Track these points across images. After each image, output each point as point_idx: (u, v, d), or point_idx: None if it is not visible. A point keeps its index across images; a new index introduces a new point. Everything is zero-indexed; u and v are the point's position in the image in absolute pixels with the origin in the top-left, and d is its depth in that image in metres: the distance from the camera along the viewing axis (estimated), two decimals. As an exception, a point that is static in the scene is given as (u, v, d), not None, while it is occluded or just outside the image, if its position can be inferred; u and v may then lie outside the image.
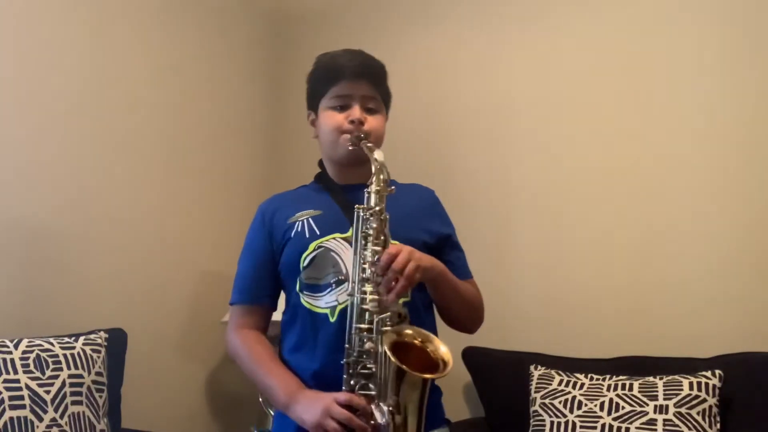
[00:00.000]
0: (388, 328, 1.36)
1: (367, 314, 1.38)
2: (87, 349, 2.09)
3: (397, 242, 1.45)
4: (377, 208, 1.44)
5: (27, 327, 2.20)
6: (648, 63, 2.52)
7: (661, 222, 2.46)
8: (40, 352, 1.98)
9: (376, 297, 1.38)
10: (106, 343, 2.17)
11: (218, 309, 2.77)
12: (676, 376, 2.14)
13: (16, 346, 1.96)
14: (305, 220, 1.56)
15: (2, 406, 1.84)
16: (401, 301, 1.44)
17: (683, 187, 2.44)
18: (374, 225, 1.42)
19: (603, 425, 2.09)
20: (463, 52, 2.88)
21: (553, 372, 2.32)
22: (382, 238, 1.42)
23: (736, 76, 2.38)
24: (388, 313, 1.37)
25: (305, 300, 1.51)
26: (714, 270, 2.36)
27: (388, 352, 1.29)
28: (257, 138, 3.20)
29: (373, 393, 1.34)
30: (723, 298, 2.34)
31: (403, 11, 3.02)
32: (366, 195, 1.46)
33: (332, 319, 1.47)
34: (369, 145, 1.51)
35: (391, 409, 1.31)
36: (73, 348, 2.06)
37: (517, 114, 2.75)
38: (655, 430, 2.03)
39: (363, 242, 1.42)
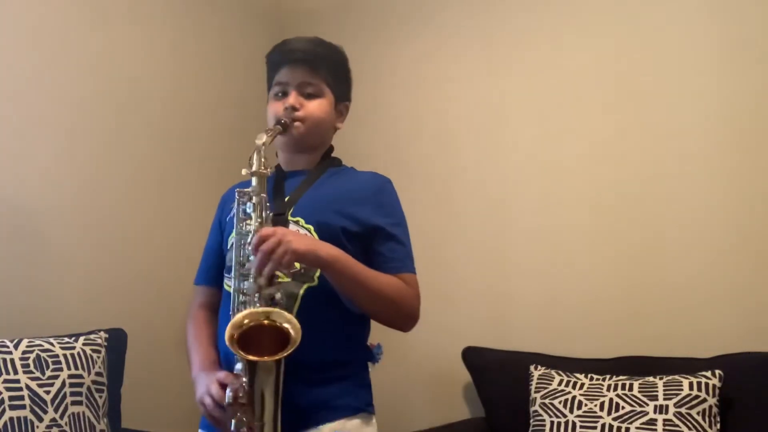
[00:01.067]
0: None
1: (242, 296, 1.40)
2: (87, 349, 2.09)
3: (295, 226, 1.47)
4: (255, 191, 1.45)
5: (27, 327, 2.20)
6: (644, 65, 2.52)
7: (661, 222, 2.46)
8: (40, 352, 1.98)
9: (251, 281, 1.38)
10: (106, 344, 2.17)
11: (218, 309, 2.77)
12: (676, 376, 2.14)
13: (16, 346, 1.96)
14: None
15: (2, 407, 1.84)
16: (306, 285, 1.44)
17: (683, 187, 2.44)
18: (250, 208, 1.44)
19: (603, 425, 2.09)
20: (463, 53, 2.87)
21: (553, 372, 2.32)
22: (259, 221, 1.43)
23: (733, 78, 2.38)
24: (257, 295, 1.37)
25: (226, 282, 1.55)
26: (714, 270, 2.36)
27: (227, 341, 1.30)
28: (255, 135, 3.19)
29: (241, 374, 1.36)
30: (723, 298, 2.34)
31: (403, 11, 3.02)
32: (251, 178, 1.49)
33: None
34: (276, 126, 1.54)
35: (236, 390, 1.33)
36: (73, 348, 2.06)
37: (516, 115, 2.75)
38: (655, 430, 2.03)
39: (243, 225, 1.44)
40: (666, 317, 2.42)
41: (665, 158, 2.47)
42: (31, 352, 1.97)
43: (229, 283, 1.52)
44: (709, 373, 2.11)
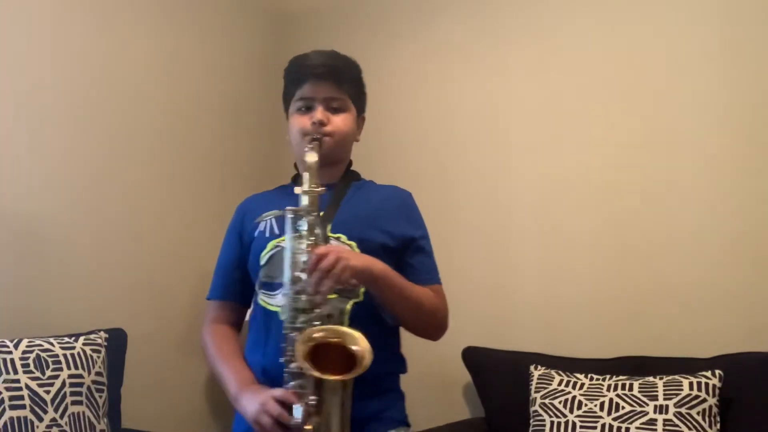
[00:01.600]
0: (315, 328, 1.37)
1: (298, 313, 1.40)
2: (87, 349, 2.09)
3: (336, 242, 1.48)
4: (307, 209, 1.45)
5: (27, 327, 2.20)
6: (646, 64, 2.52)
7: (661, 222, 2.46)
8: (40, 352, 1.98)
9: (307, 297, 1.39)
10: (106, 343, 2.17)
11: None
12: (676, 376, 2.14)
13: (16, 346, 1.96)
14: (269, 221, 1.61)
15: (2, 406, 1.84)
16: (352, 301, 1.47)
17: (683, 187, 2.44)
18: (304, 226, 1.44)
19: (603, 425, 2.09)
20: (463, 53, 2.87)
21: (553, 372, 2.32)
22: (312, 238, 1.43)
23: (734, 80, 2.38)
24: (315, 313, 1.38)
25: (262, 298, 1.56)
26: (714, 270, 2.36)
27: (300, 359, 1.30)
28: (259, 137, 3.20)
29: (303, 391, 1.35)
30: (723, 298, 2.34)
31: (402, 11, 3.02)
32: (300, 197, 1.48)
33: (282, 317, 1.48)
34: (310, 145, 1.52)
35: (308, 408, 1.32)
36: (73, 348, 2.06)
37: (515, 116, 2.75)
38: (655, 430, 2.03)
39: (296, 243, 1.44)
40: (666, 317, 2.42)
41: (666, 159, 2.47)
42: (31, 352, 1.97)
43: (267, 299, 1.54)
44: (709, 373, 2.11)
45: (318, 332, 1.36)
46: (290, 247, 1.45)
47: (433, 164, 2.87)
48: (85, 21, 2.51)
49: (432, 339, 1.63)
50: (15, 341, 1.98)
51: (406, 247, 1.59)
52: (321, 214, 1.47)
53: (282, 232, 1.54)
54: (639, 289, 2.47)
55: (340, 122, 1.60)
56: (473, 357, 2.54)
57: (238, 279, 1.66)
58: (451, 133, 2.87)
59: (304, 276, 1.39)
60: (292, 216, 1.46)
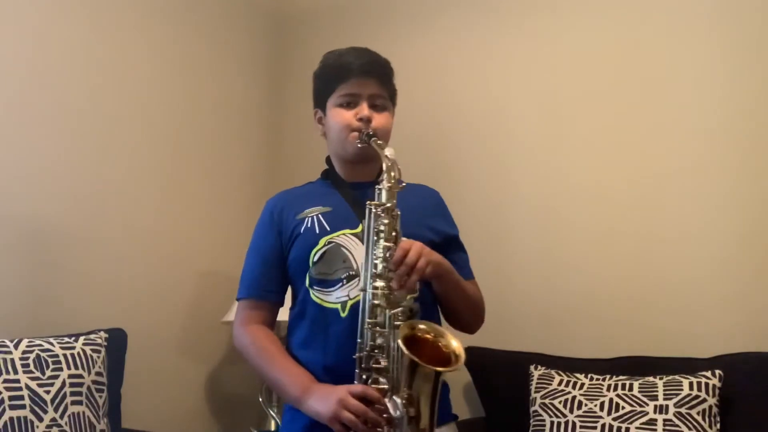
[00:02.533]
0: (400, 323, 1.37)
1: (378, 309, 1.41)
2: (87, 349, 2.09)
3: (406, 238, 1.47)
4: (388, 205, 1.46)
5: (27, 327, 2.20)
6: (647, 63, 2.52)
7: (661, 222, 2.46)
8: (40, 352, 1.98)
9: (387, 292, 1.41)
10: (106, 343, 2.17)
11: (218, 309, 2.77)
12: (676, 376, 2.14)
13: (16, 346, 1.96)
14: (315, 217, 1.58)
15: (2, 406, 1.84)
16: (409, 297, 1.47)
17: (683, 186, 2.44)
18: (385, 221, 1.45)
19: (603, 425, 2.09)
20: (462, 53, 2.87)
21: (553, 372, 2.32)
22: (394, 234, 1.44)
23: (736, 78, 2.38)
24: (400, 308, 1.39)
25: (315, 295, 1.54)
26: (714, 270, 2.36)
27: (402, 345, 1.31)
28: (258, 137, 3.20)
29: (385, 387, 1.36)
30: (723, 298, 2.34)
31: (403, 11, 3.02)
32: (377, 191, 1.49)
33: (343, 314, 1.49)
34: (379, 142, 1.54)
35: (404, 402, 1.32)
36: (73, 348, 2.06)
37: (516, 114, 2.74)
38: (655, 430, 2.03)
39: (375, 238, 1.45)
40: (666, 317, 2.42)
41: (667, 159, 2.47)
42: (31, 352, 1.97)
43: (322, 296, 1.52)
44: (709, 373, 2.11)
45: (421, 325, 1.38)
46: (371, 242, 1.45)
47: (432, 163, 2.86)
48: (85, 23, 2.51)
49: (472, 332, 1.68)
50: (15, 341, 1.98)
51: (448, 244, 1.62)
52: (397, 212, 1.47)
53: (333, 229, 1.55)
54: (639, 289, 2.47)
55: (383, 120, 1.61)
56: (473, 357, 2.51)
57: (275, 277, 1.62)
58: (452, 132, 2.87)
59: (381, 269, 1.40)
60: (375, 211, 1.46)
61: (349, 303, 1.49)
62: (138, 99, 2.67)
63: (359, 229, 1.53)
